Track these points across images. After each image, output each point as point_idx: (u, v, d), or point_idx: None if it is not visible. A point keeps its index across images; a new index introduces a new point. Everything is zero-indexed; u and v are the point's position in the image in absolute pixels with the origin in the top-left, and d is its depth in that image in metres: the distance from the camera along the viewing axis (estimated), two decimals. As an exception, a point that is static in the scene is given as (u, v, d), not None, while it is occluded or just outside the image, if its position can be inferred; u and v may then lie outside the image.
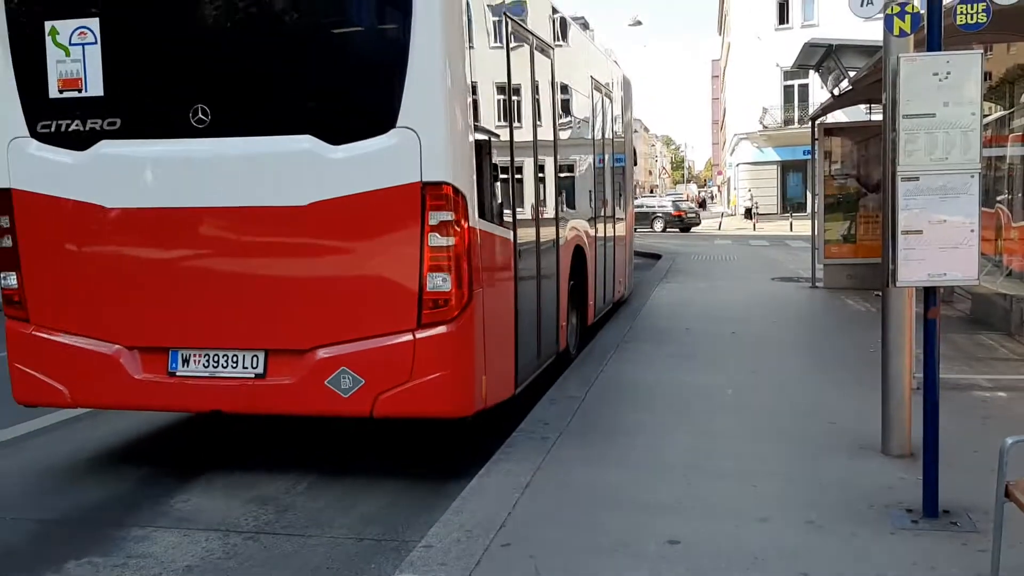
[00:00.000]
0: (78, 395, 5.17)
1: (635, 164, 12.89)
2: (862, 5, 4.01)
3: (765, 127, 43.41)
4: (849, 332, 9.55)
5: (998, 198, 8.86)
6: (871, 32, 12.58)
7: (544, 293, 6.54)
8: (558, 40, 7.37)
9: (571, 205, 7.91)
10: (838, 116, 18.59)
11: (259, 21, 4.94)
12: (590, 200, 8.89)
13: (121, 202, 4.98)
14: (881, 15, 4.04)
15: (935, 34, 3.89)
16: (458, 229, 4.63)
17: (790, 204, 42.38)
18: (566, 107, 7.77)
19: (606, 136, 9.98)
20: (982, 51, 3.84)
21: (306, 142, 4.71)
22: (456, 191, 4.63)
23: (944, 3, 3.93)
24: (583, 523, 3.98)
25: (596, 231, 9.10)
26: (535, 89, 6.46)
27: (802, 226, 27.75)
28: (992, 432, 5.18)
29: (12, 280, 5.16)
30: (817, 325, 10.52)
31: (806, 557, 3.57)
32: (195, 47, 4.95)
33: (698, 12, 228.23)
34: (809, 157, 13.74)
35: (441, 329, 4.66)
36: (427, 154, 4.57)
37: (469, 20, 4.92)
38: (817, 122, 13.07)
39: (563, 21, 7.83)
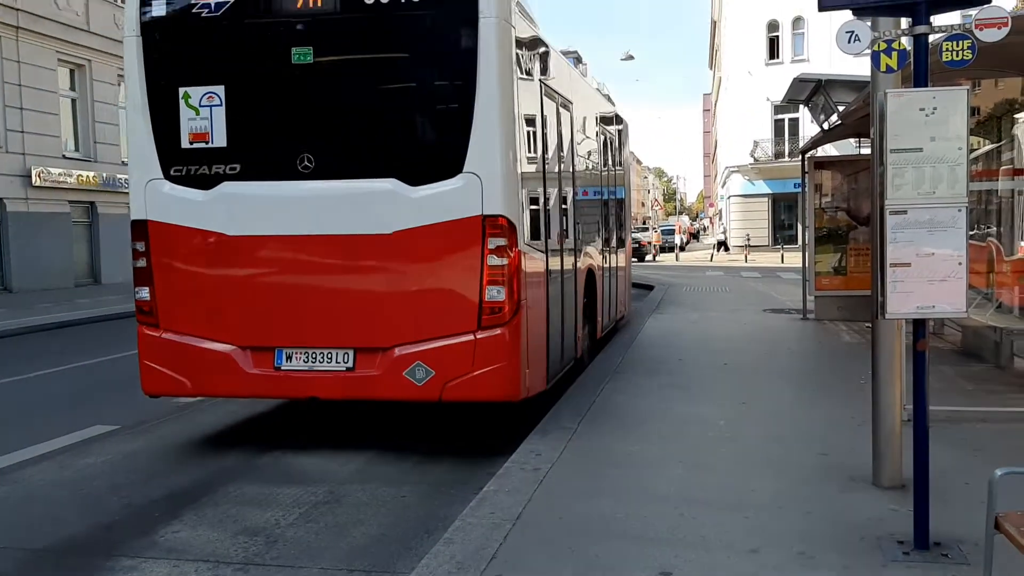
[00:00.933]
0: (198, 386, 6.41)
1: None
2: (849, 42, 4.07)
3: (756, 160, 43.77)
4: (840, 364, 9.58)
5: (988, 231, 8.94)
6: (860, 67, 12.76)
7: (566, 307, 7.72)
8: (575, 95, 8.69)
9: (585, 234, 9.02)
10: (828, 150, 18.80)
11: (352, 89, 6.24)
12: (598, 229, 10.13)
13: (240, 231, 6.19)
14: (868, 52, 4.10)
15: (921, 70, 3.95)
16: (510, 252, 5.91)
17: (781, 237, 42.67)
18: (581, 151, 9.02)
19: (610, 173, 11.26)
20: (968, 87, 3.90)
21: (390, 184, 5.97)
22: (509, 222, 5.93)
23: (930, 40, 4.00)
24: (575, 555, 3.97)
25: (603, 256, 10.35)
26: (559, 137, 7.81)
27: (793, 258, 27.88)
28: (982, 464, 5.18)
29: (145, 293, 6.37)
30: (808, 356, 10.54)
31: (798, 589, 3.56)
32: (301, 108, 6.23)
33: (690, 46, 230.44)
34: (800, 190, 13.83)
35: (497, 331, 5.90)
36: (487, 193, 5.85)
37: (517, 89, 6.17)
38: (807, 155, 13.18)
39: (577, 79, 9.17)
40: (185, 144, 6.23)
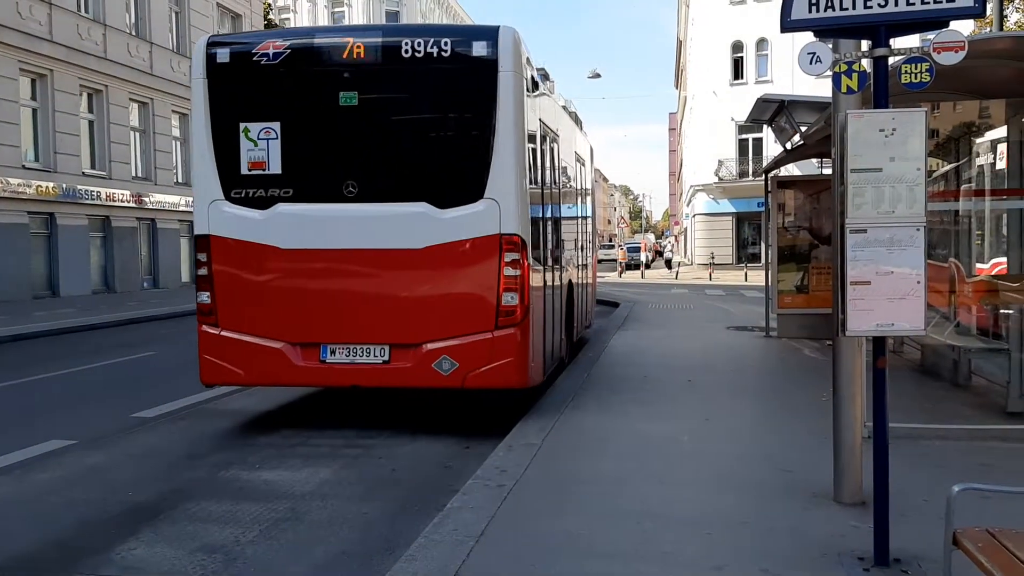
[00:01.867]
0: (252, 377, 7.44)
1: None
2: (811, 63, 4.13)
3: (721, 179, 44.22)
4: (802, 381, 9.67)
5: (943, 253, 9.09)
6: (822, 89, 12.95)
7: (556, 313, 8.96)
8: (560, 126, 9.96)
9: (567, 250, 10.21)
10: (791, 169, 19.03)
11: (390, 127, 7.33)
12: (575, 245, 11.34)
13: (292, 245, 7.21)
14: (830, 73, 4.17)
15: (881, 92, 4.02)
16: (522, 264, 7.09)
17: (744, 255, 43.10)
18: (564, 176, 10.26)
19: (582, 195, 12.58)
20: (927, 109, 3.96)
21: (422, 207, 7.08)
22: (521, 239, 7.10)
23: (890, 63, 4.07)
24: (539, 572, 3.95)
25: (579, 269, 11.71)
26: (552, 165, 9.13)
27: (757, 276, 28.16)
28: (941, 481, 5.23)
29: (206, 297, 7.34)
30: (771, 374, 10.64)
31: (760, 606, 3.57)
32: (346, 143, 7.26)
33: (657, 66, 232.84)
34: (763, 209, 13.99)
35: (510, 330, 7.06)
36: (504, 216, 7.02)
37: (526, 128, 7.34)
38: (770, 175, 13.34)
39: (560, 111, 10.49)
40: (244, 171, 7.26)
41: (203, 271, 7.35)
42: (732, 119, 41.58)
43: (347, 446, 6.97)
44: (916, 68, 3.98)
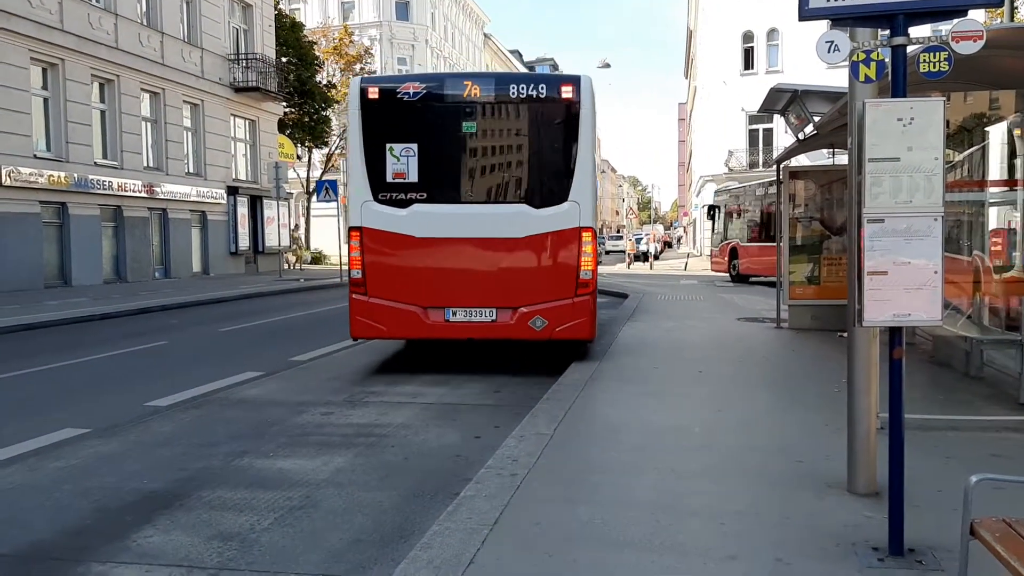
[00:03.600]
0: (392, 332, 9.91)
1: None
2: (829, 51, 4.11)
3: (730, 169, 44.06)
4: (814, 372, 9.66)
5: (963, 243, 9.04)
6: (833, 78, 12.84)
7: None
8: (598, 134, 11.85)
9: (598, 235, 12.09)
10: (801, 160, 18.93)
11: (499, 148, 9.97)
12: (599, 231, 13.25)
13: (425, 234, 9.59)
14: (847, 62, 4.15)
15: (899, 81, 4.00)
16: (593, 250, 9.59)
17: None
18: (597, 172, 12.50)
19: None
20: (945, 98, 3.94)
21: (522, 208, 9.63)
22: (593, 231, 9.64)
23: (908, 52, 4.04)
24: (552, 561, 3.96)
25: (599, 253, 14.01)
26: (597, 171, 11.55)
27: (767, 267, 27.96)
28: (955, 471, 5.25)
29: (358, 273, 9.72)
30: (782, 365, 10.62)
31: (774, 595, 3.58)
32: (466, 158, 9.85)
33: (666, 56, 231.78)
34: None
35: (585, 297, 9.60)
36: (582, 214, 9.54)
37: (595, 150, 9.66)
38: (782, 165, 13.29)
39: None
40: (389, 179, 9.63)
41: (356, 253, 9.71)
42: (742, 109, 41.44)
43: (360, 435, 6.99)
44: (934, 57, 3.95)
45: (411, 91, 9.59)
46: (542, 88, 9.64)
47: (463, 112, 9.66)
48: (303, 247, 32.94)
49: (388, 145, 9.60)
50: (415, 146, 9.61)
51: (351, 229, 9.74)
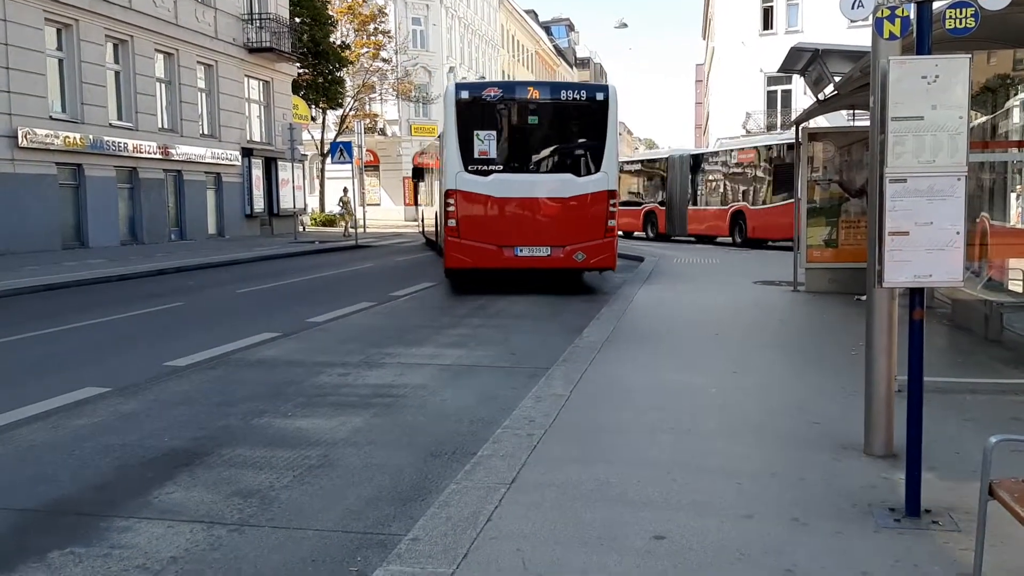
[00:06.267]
0: (476, 263, 13.72)
1: None
2: (853, 7, 4.04)
3: (748, 132, 43.57)
4: (831, 335, 9.63)
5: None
6: (854, 38, 12.63)
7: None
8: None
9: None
10: (819, 122, 18.71)
11: (554, 135, 14.14)
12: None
13: (502, 195, 13.60)
14: (871, 18, 4.07)
15: (924, 38, 3.93)
16: (617, 204, 14.08)
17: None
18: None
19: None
20: (970, 56, 3.87)
21: (568, 176, 13.85)
22: (616, 193, 14.08)
23: (933, 7, 3.97)
24: (569, 518, 3.99)
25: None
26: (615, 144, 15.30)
27: (783, 231, 27.76)
28: (972, 434, 5.24)
29: (453, 222, 13.61)
30: (799, 327, 10.59)
31: (791, 554, 3.59)
32: (530, 142, 14.15)
33: (684, 16, 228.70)
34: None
35: (611, 239, 13.88)
36: (610, 180, 13.81)
37: (617, 135, 14.05)
38: (801, 126, 13.14)
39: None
40: (475, 156, 13.62)
41: (451, 208, 13.65)
42: (761, 70, 40.84)
43: (377, 396, 7.04)
44: (960, 13, 3.88)
45: (492, 94, 13.89)
46: (582, 93, 14.04)
47: (528, 109, 13.92)
48: (352, 212, 32.49)
49: (475, 132, 13.54)
50: (494, 132, 13.71)
51: (448, 191, 13.67)
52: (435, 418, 6.36)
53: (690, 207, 30.33)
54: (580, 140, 14.04)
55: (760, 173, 26.40)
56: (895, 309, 4.82)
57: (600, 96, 13.80)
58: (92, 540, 4.09)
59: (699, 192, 30.27)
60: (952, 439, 5.15)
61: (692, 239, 30.20)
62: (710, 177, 29.95)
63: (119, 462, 5.34)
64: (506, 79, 70.70)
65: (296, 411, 6.55)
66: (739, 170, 27.86)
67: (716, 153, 30.40)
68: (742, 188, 27.45)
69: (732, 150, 28.78)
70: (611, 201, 13.71)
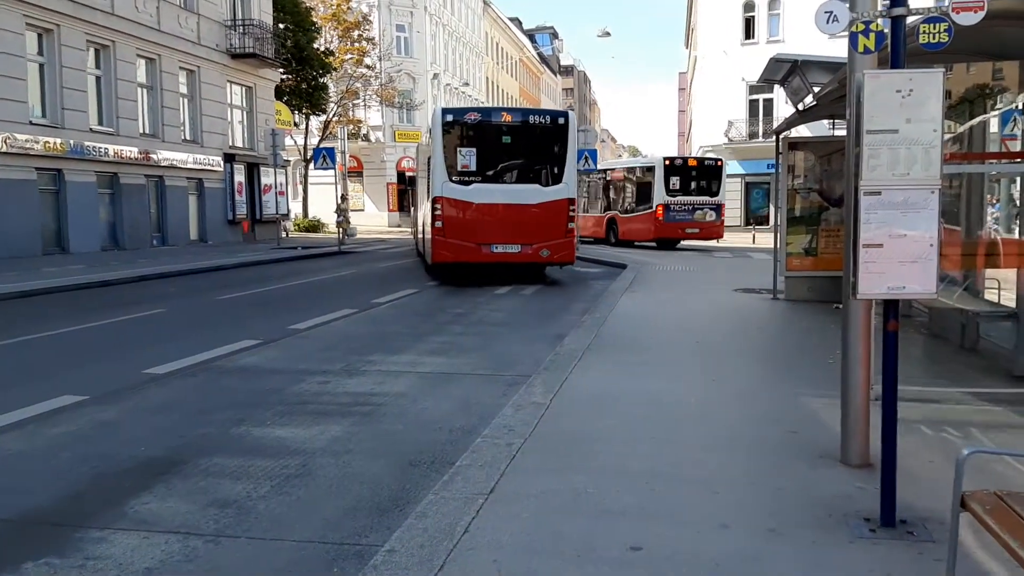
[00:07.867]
0: (456, 258, 16.56)
1: None
2: (828, 22, 4.08)
3: (730, 140, 43.89)
4: (809, 343, 9.69)
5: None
6: (835, 49, 12.75)
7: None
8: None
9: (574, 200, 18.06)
10: (801, 131, 18.83)
11: (525, 152, 17.15)
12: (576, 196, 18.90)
13: (480, 201, 16.54)
14: (846, 33, 4.11)
15: (899, 52, 3.97)
16: (575, 210, 17.89)
17: (753, 217, 42.89)
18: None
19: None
20: (944, 69, 3.91)
21: (536, 187, 16.86)
22: (575, 200, 17.60)
23: (907, 22, 4.01)
24: (546, 528, 3.99)
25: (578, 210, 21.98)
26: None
27: (765, 239, 28.04)
28: (947, 444, 5.29)
29: (440, 223, 16.45)
30: (778, 336, 10.65)
31: (766, 564, 3.62)
32: (505, 157, 17.06)
33: (667, 25, 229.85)
34: (773, 171, 13.91)
35: (571, 238, 17.13)
36: (570, 190, 17.00)
37: (576, 151, 17.84)
38: (781, 136, 13.23)
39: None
40: (459, 168, 16.47)
41: (438, 212, 16.33)
42: (743, 79, 41.17)
43: (357, 404, 7.03)
44: (934, 28, 3.93)
45: (472, 118, 17.13)
46: (547, 118, 17.11)
47: (502, 130, 16.90)
48: (348, 219, 32.07)
49: (458, 148, 16.56)
50: (474, 149, 16.60)
51: (436, 198, 16.37)
52: (415, 427, 6.35)
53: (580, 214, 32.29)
54: (545, 156, 16.87)
55: (628, 188, 31.67)
56: (871, 319, 4.86)
57: (561, 120, 17.00)
58: (67, 551, 4.05)
59: (585, 201, 33.56)
60: (928, 449, 5.19)
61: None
62: (594, 189, 34.43)
63: (95, 471, 5.30)
64: (490, 85, 70.87)
65: (275, 419, 6.52)
66: (614, 185, 33.01)
67: (604, 171, 33.64)
68: (614, 199, 32.84)
69: (607, 169, 33.54)
70: (571, 207, 16.83)
